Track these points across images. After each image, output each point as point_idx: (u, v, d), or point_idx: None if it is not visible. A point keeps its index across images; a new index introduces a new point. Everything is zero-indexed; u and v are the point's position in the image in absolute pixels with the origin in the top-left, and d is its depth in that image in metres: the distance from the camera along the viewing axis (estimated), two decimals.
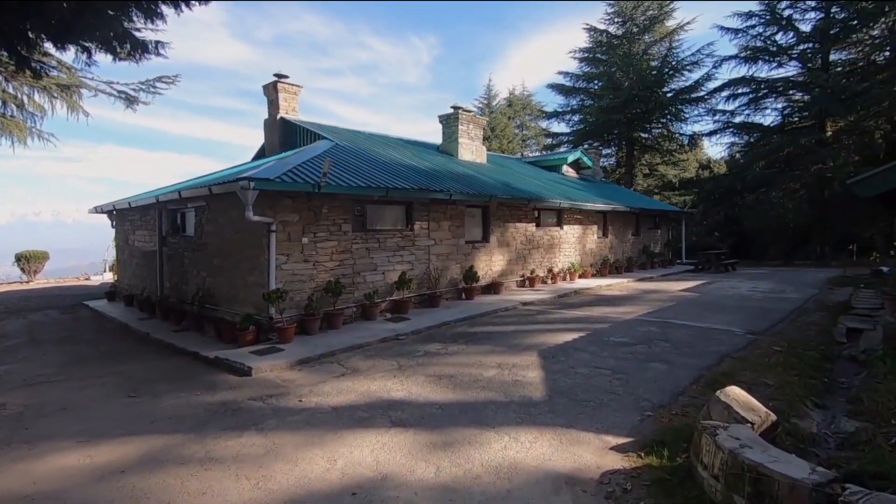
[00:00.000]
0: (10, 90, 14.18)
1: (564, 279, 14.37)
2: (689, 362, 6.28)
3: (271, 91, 13.92)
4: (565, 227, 14.93)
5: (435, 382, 5.75)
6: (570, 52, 30.09)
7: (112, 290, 14.26)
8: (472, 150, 15.77)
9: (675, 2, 27.30)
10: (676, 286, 13.98)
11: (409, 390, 5.50)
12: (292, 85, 14.01)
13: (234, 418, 4.90)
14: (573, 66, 30.47)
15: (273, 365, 6.64)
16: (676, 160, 33.27)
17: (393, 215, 10.06)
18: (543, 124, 39.40)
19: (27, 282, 19.53)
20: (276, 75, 13.88)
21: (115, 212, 14.16)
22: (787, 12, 23.91)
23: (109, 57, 12.20)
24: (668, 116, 28.77)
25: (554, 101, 74.60)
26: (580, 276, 14.85)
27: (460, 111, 15.40)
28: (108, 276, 20.69)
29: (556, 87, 30.74)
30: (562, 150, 30.23)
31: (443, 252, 10.95)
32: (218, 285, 9.25)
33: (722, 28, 25.24)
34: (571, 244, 15.23)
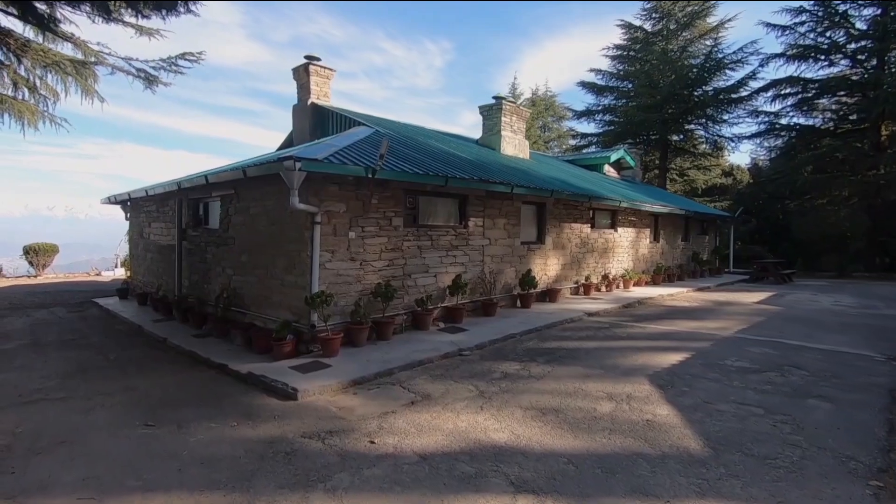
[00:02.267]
0: (22, 72, 13.10)
1: (618, 287, 13.01)
2: (856, 399, 4.92)
3: (302, 74, 12.73)
4: (619, 230, 13.58)
5: (538, 419, 4.44)
6: (603, 49, 28.82)
7: (124, 288, 13.11)
8: (514, 144, 14.49)
9: None
10: (747, 298, 12.56)
11: (511, 430, 4.19)
12: (325, 68, 12.82)
13: (290, 467, 3.62)
14: (605, 63, 29.04)
15: (322, 386, 5.36)
16: (708, 164, 31.82)
17: (446, 210, 8.78)
18: (566, 126, 38.09)
19: (35, 276, 18.48)
20: (307, 57, 12.70)
21: (129, 202, 13.02)
22: (841, 7, 22.45)
23: (130, 15, 11.05)
24: (705, 118, 27.32)
25: (581, 101, 73.29)
26: (634, 284, 13.48)
27: (504, 101, 14.14)
28: (120, 272, 19.60)
29: (587, 86, 29.40)
30: (591, 150, 28.88)
31: (497, 253, 9.65)
32: (247, 285, 8.01)
33: (768, 25, 23.80)
34: (625, 248, 13.87)
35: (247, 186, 7.85)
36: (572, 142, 35.33)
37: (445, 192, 8.55)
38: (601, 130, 30.29)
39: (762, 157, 34.90)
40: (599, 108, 29.38)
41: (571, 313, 9.45)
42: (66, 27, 11.16)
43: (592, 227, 12.45)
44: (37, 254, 18.15)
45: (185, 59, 11.51)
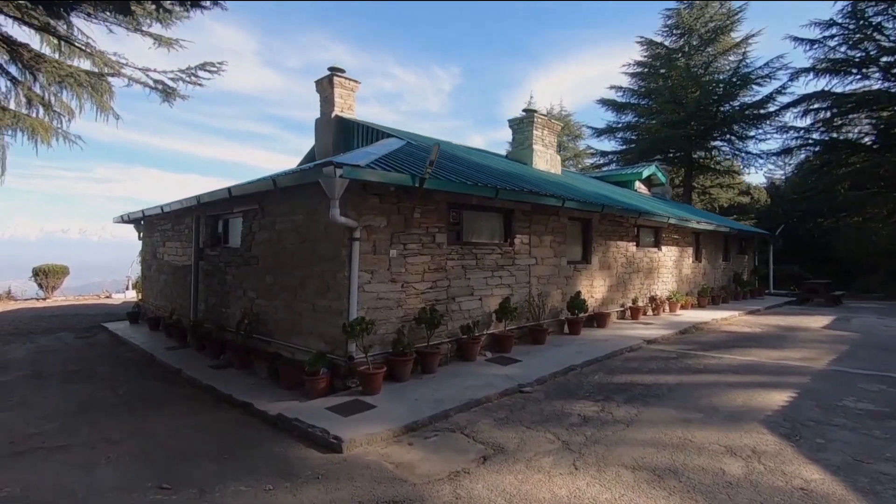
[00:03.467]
0: (37, 89, 12.62)
1: (665, 310, 12.00)
2: None
3: (326, 86, 12.13)
4: (664, 249, 12.63)
5: (656, 485, 3.48)
6: (623, 65, 28.31)
7: (135, 311, 12.32)
8: (546, 159, 13.71)
9: (742, 11, 25.34)
10: (810, 322, 11.48)
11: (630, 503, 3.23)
12: (349, 80, 12.22)
13: None
14: (625, 81, 28.50)
15: (370, 434, 4.44)
16: (731, 182, 30.92)
17: (490, 226, 7.94)
18: (582, 144, 37.47)
19: (44, 299, 17.81)
20: (331, 69, 12.12)
21: (143, 221, 12.34)
22: (875, 19, 21.76)
23: (148, 25, 10.53)
24: (731, 134, 26.52)
25: (601, 119, 72.72)
26: (681, 307, 12.46)
27: (535, 115, 13.43)
28: (131, 294, 18.88)
29: (607, 103, 28.82)
30: (611, 167, 28.11)
31: (544, 274, 8.75)
32: (271, 310, 7.16)
33: (796, 39, 23.14)
34: (669, 269, 12.90)
35: (273, 200, 7.08)
36: (589, 161, 34.65)
37: (490, 207, 7.73)
38: (621, 148, 29.58)
39: (778, 177, 34.02)
40: (620, 125, 28.72)
41: (628, 340, 8.47)
42: (81, 37, 10.65)
43: (637, 245, 11.53)
44: (46, 276, 17.51)
45: (206, 70, 10.94)
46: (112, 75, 11.13)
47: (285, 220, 6.91)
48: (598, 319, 9.64)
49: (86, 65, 11.51)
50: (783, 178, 33.01)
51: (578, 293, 8.99)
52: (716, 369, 6.84)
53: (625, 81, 28.45)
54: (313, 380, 5.57)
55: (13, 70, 11.55)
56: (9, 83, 11.76)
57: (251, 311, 7.50)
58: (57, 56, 11.32)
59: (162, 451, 4.39)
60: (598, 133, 29.68)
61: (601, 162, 31.39)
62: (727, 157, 28.12)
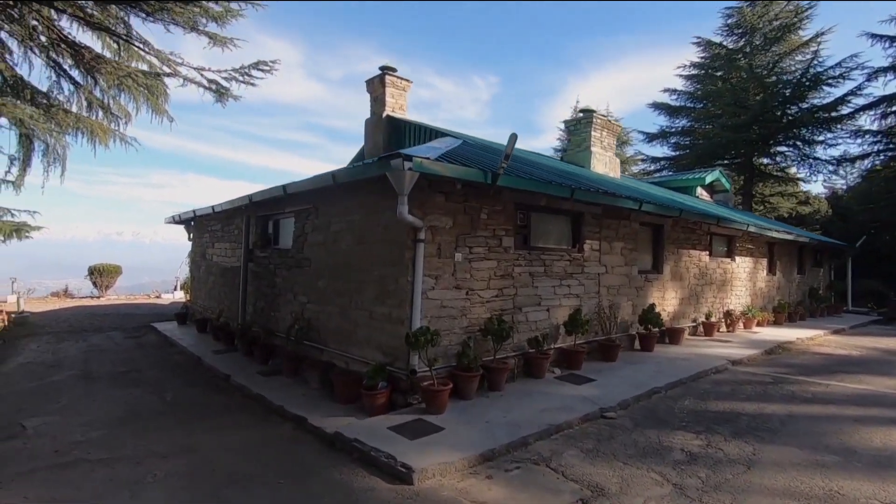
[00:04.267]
0: (98, 93, 12.86)
1: (739, 326, 10.92)
2: None
3: (376, 86, 11.78)
4: (737, 260, 11.55)
5: None
6: (679, 67, 26.96)
7: (183, 312, 12.27)
8: (605, 162, 12.88)
9: (811, 9, 23.66)
10: None
11: None
12: (401, 79, 11.84)
13: None
14: (679, 83, 27.17)
15: (444, 464, 3.84)
16: (793, 191, 28.86)
17: (558, 230, 7.26)
18: (629, 151, 36.07)
19: (98, 297, 18.27)
20: (382, 68, 11.77)
21: (193, 221, 12.30)
22: None
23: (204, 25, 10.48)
24: (797, 139, 24.72)
25: (650, 124, 70.29)
26: (757, 324, 11.33)
27: (594, 115, 12.65)
28: (179, 295, 19.16)
29: (660, 107, 27.55)
30: (662, 174, 26.74)
31: (614, 284, 7.98)
32: (324, 316, 6.72)
33: (874, 36, 21.34)
34: (742, 281, 11.79)
35: (329, 199, 6.66)
36: (636, 167, 33.25)
37: (559, 209, 7.06)
38: (673, 154, 28.16)
39: (840, 186, 31.50)
40: (674, 129, 27.36)
41: (710, 360, 7.57)
42: (139, 37, 10.69)
43: (710, 254, 10.55)
44: (101, 274, 17.96)
45: (259, 69, 10.77)
46: (168, 75, 11.14)
47: (341, 220, 6.47)
48: (671, 335, 8.76)
49: (142, 67, 11.60)
50: (844, 187, 30.65)
51: (652, 306, 8.15)
52: (828, 399, 5.89)
53: (679, 84, 27.12)
54: (372, 395, 5.04)
55: (76, 74, 11.77)
56: (71, 87, 11.99)
57: (302, 316, 7.09)
58: (116, 58, 11.46)
59: (211, 472, 3.94)
60: (650, 138, 28.38)
61: (651, 168, 30.03)
62: (792, 163, 26.26)
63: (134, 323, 12.49)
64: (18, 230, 12.68)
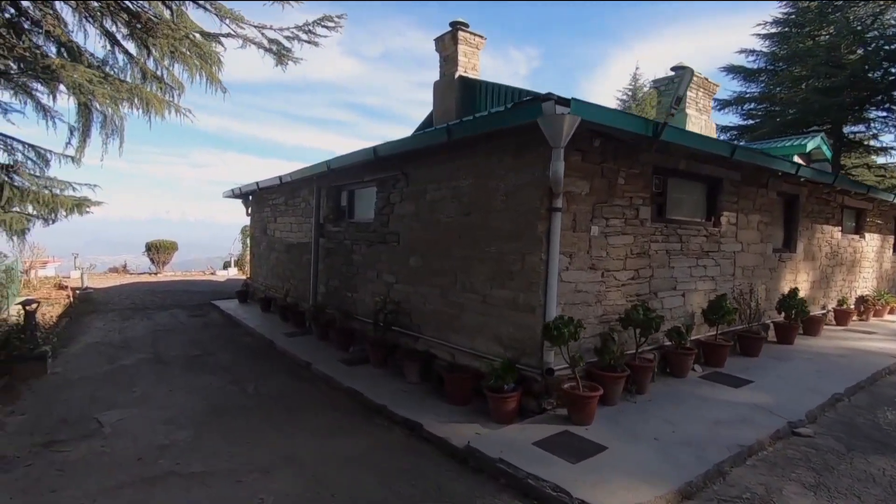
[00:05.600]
0: (150, 64, 12.23)
1: (871, 313, 9.42)
2: None
3: (447, 44, 10.62)
4: (867, 237, 9.97)
5: None
6: (758, 24, 24.36)
7: (244, 290, 11.76)
8: (700, 126, 11.32)
9: None
10: None
11: None
12: (474, 35, 10.63)
13: None
14: (754, 43, 24.58)
15: None
16: (884, 162, 25.99)
17: (693, 200, 6.06)
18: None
19: (155, 273, 18.22)
20: (453, 24, 10.59)
21: (254, 194, 11.65)
22: None
23: None
24: (893, 103, 21.96)
25: (725, 89, 65.97)
26: (889, 311, 9.79)
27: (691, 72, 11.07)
28: (234, 272, 18.93)
29: (735, 71, 25.06)
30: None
31: (748, 264, 6.74)
32: (417, 299, 5.83)
33: None
34: (870, 262, 10.21)
35: (425, 163, 5.69)
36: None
37: (697, 174, 5.84)
38: (746, 123, 25.71)
39: None
40: (753, 95, 24.93)
41: (873, 357, 6.28)
42: None
43: (842, 231, 9.04)
44: (157, 251, 17.85)
45: (323, 25, 9.80)
46: (227, 36, 10.35)
47: (441, 187, 5.49)
48: (807, 325, 7.44)
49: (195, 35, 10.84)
50: None
51: (795, 291, 6.86)
52: None
53: (755, 43, 24.55)
54: (500, 398, 4.11)
55: (130, 46, 11.14)
56: (125, 58, 11.39)
57: (388, 298, 6.22)
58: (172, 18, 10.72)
59: (331, 498, 3.12)
60: (722, 105, 25.97)
61: (722, 138, 27.68)
62: (885, 130, 23.51)
63: (194, 300, 12.09)
64: (80, 205, 12.38)
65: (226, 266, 19.79)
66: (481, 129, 4.35)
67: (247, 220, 13.08)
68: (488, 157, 4.80)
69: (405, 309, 6.02)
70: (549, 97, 3.54)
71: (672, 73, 11.64)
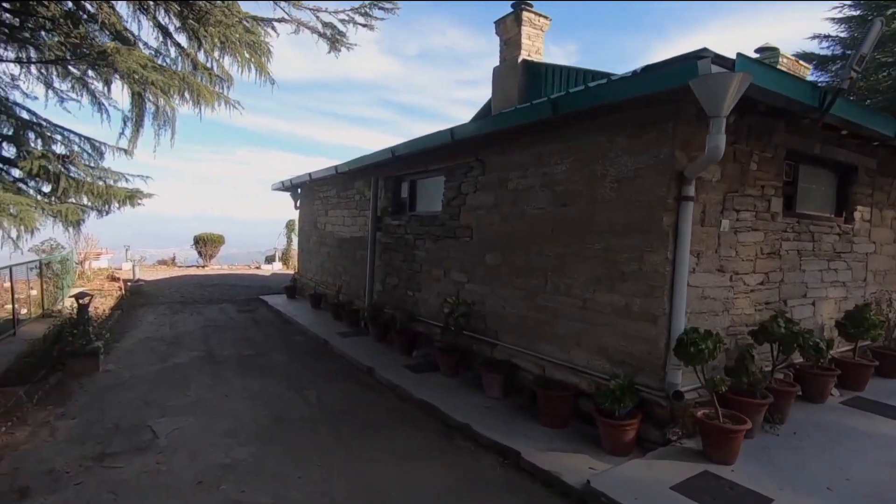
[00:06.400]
0: (201, 57, 12.01)
1: None
2: None
3: (510, 26, 9.89)
4: None
5: None
6: (834, 8, 22.42)
7: (292, 286, 11.41)
8: None
9: None
10: None
11: None
12: (539, 15, 9.85)
13: None
14: (829, 28, 22.57)
15: None
16: None
17: (821, 191, 5.15)
18: None
19: (202, 266, 18.30)
20: (515, 4, 9.84)
21: (303, 186, 11.28)
22: None
23: None
24: None
25: None
26: None
27: (778, 53, 9.97)
28: (278, 266, 18.80)
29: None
30: None
31: (880, 268, 5.75)
32: (494, 301, 5.17)
33: None
34: None
35: (507, 147, 5.02)
36: None
37: (830, 160, 4.93)
38: None
39: None
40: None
41: None
42: None
43: None
44: (205, 244, 17.90)
45: (381, 8, 9.26)
46: (280, 20, 9.95)
47: (527, 174, 4.80)
48: None
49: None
50: None
51: None
52: None
53: (829, 29, 22.61)
54: (618, 426, 3.40)
55: (181, 39, 10.95)
56: (176, 50, 11.20)
57: (459, 299, 5.58)
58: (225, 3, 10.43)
59: None
60: None
61: None
62: None
63: (242, 295, 11.85)
64: (132, 197, 12.31)
65: (268, 260, 19.69)
66: (598, 101, 3.62)
67: (291, 215, 12.80)
68: (595, 137, 4.08)
69: (479, 312, 5.37)
70: (703, 54, 2.79)
71: (761, 54, 10.55)
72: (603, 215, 4.02)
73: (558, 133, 4.40)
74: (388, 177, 7.50)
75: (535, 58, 9.81)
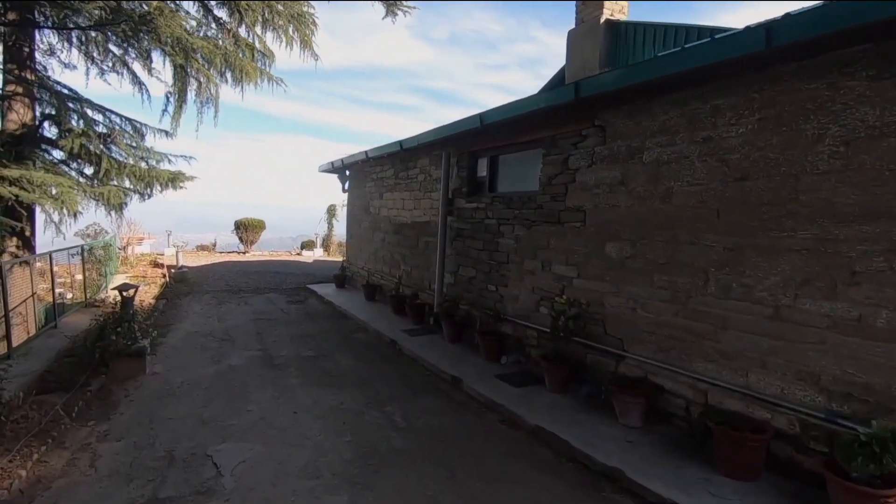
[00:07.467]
0: (242, 32, 11.19)
1: None
2: None
3: None
4: None
5: None
6: None
7: (341, 274, 10.63)
8: None
9: None
10: None
11: None
12: None
13: None
14: None
15: None
16: None
17: None
18: None
19: (243, 252, 17.83)
20: None
21: (353, 167, 10.39)
22: None
23: None
24: None
25: None
26: None
27: None
28: (319, 252, 18.18)
29: None
30: None
31: None
32: (620, 302, 4.12)
33: None
34: None
35: (639, 109, 3.92)
36: None
37: None
38: None
39: None
40: None
41: None
42: None
43: None
44: (246, 229, 17.40)
45: None
46: None
47: (676, 140, 3.70)
48: None
49: None
50: None
51: None
52: None
53: None
54: (870, 496, 2.32)
55: (222, 14, 10.15)
56: (217, 27, 10.40)
57: (571, 298, 4.56)
58: None
59: None
60: None
61: None
62: None
63: (288, 283, 11.16)
64: (175, 179, 11.72)
65: (304, 246, 19.05)
66: (847, 23, 2.48)
67: (331, 200, 11.99)
68: (805, 82, 2.95)
69: (595, 315, 4.34)
70: None
71: None
72: (815, 193, 2.91)
73: (736, 81, 3.28)
74: (463, 153, 6.49)
75: (620, 17, 8.56)
